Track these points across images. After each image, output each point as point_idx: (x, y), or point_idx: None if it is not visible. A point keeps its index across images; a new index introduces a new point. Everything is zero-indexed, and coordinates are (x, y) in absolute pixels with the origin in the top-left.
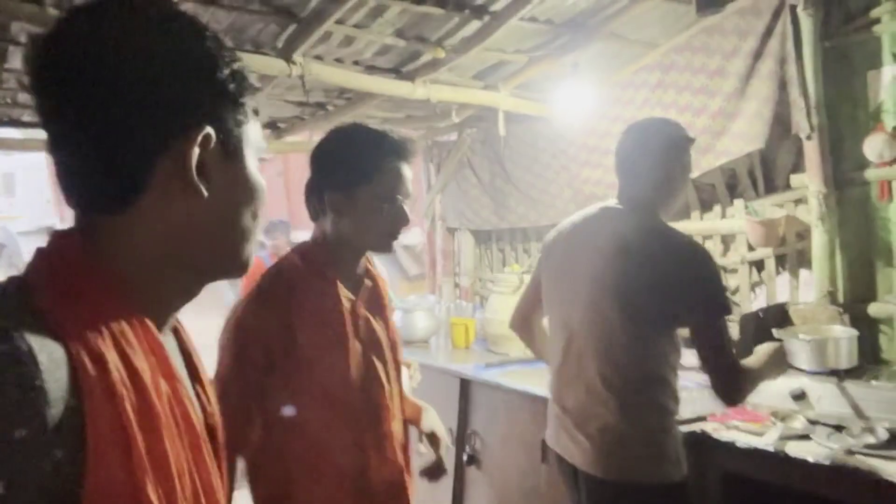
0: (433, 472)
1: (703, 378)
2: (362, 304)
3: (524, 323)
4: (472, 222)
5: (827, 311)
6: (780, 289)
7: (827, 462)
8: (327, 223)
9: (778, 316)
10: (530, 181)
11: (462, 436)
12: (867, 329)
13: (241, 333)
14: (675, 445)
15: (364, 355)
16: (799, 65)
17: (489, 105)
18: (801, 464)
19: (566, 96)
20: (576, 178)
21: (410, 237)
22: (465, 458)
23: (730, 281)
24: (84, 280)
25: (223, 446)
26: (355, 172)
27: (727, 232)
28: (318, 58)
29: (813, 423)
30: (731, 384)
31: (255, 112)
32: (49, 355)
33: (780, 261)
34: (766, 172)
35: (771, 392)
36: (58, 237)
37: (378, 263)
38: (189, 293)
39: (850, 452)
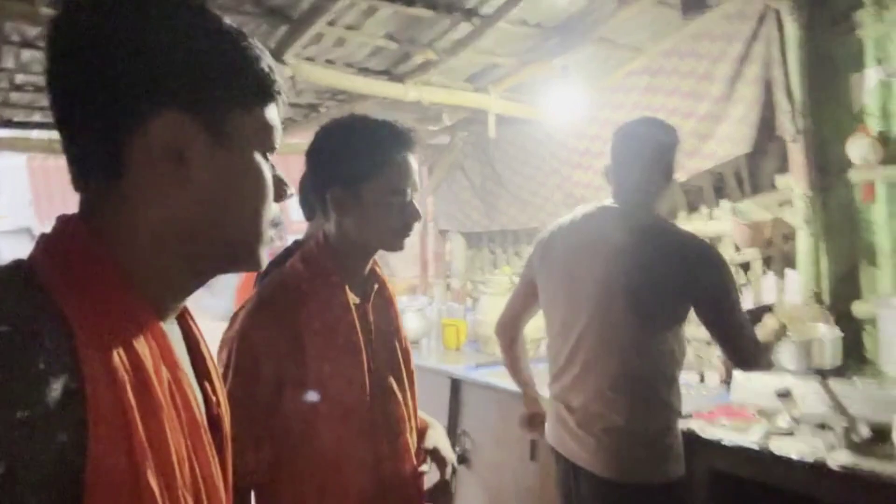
0: (437, 494)
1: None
2: (372, 309)
3: (513, 325)
4: (463, 224)
5: (812, 311)
6: (767, 290)
7: (810, 460)
8: (330, 223)
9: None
10: (521, 183)
11: (453, 435)
12: (852, 329)
13: (247, 349)
14: (678, 444)
15: (378, 365)
16: (784, 68)
17: (480, 108)
18: (785, 461)
19: (556, 99)
20: (566, 180)
21: None
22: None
23: None
24: (87, 264)
25: (228, 437)
26: (361, 166)
27: (714, 234)
28: (310, 59)
29: (797, 421)
30: (757, 359)
31: (268, 99)
32: (52, 338)
33: (767, 262)
34: (753, 174)
35: (757, 390)
36: (61, 222)
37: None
38: (191, 283)
39: (834, 450)
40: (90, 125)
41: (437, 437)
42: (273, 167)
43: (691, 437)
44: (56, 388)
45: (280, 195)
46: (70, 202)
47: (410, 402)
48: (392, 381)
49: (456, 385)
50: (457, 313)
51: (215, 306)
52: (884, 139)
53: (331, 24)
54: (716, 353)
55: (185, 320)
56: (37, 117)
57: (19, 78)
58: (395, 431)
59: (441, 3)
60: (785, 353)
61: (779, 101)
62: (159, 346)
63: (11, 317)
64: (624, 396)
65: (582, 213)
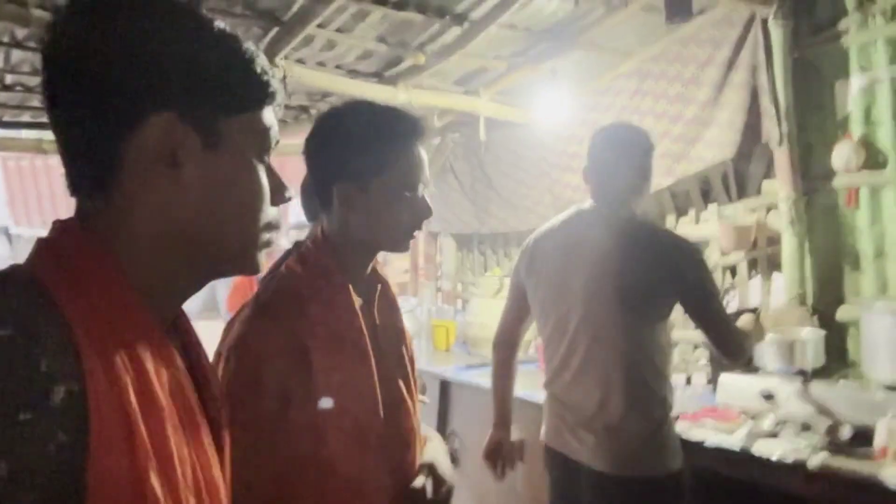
0: None
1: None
2: (377, 311)
3: (511, 339)
4: (453, 226)
5: (797, 313)
6: (753, 292)
7: (790, 460)
8: (332, 220)
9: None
10: (511, 186)
11: (441, 436)
12: (835, 331)
13: (247, 362)
14: (675, 436)
15: (386, 373)
16: (769, 74)
17: (470, 111)
18: (768, 462)
19: (546, 103)
20: (556, 183)
21: None
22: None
23: None
24: (86, 267)
25: (227, 438)
26: (371, 158)
27: (701, 237)
28: (301, 61)
29: (781, 422)
30: (742, 349)
31: (264, 102)
32: (54, 341)
33: (753, 265)
34: (739, 179)
35: (741, 392)
36: (59, 225)
37: None
38: (189, 286)
39: (816, 451)
40: (86, 129)
41: (436, 452)
42: (272, 170)
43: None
44: (58, 391)
45: (280, 198)
46: (45, 203)
47: (418, 412)
48: (402, 389)
49: (445, 386)
50: (447, 315)
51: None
52: (867, 145)
53: (321, 26)
54: (703, 356)
55: (181, 322)
56: (26, 117)
57: (9, 78)
58: (405, 444)
59: (431, 7)
60: (767, 354)
61: (764, 106)
62: (159, 348)
63: (14, 319)
64: (621, 392)
65: (561, 219)
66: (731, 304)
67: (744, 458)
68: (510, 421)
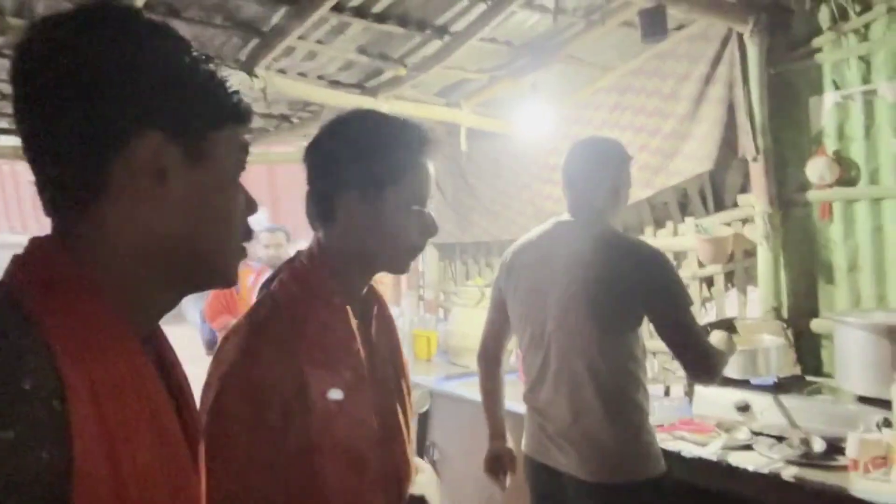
0: None
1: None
2: (373, 333)
3: (494, 352)
4: (435, 235)
5: (772, 326)
6: (730, 304)
7: (766, 472)
8: (332, 234)
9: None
10: (493, 196)
11: (421, 446)
12: (810, 343)
13: (246, 392)
14: (655, 441)
15: (384, 400)
16: (745, 90)
17: (452, 122)
18: (742, 473)
19: (527, 115)
20: (537, 195)
21: None
22: None
23: None
24: (66, 284)
25: (202, 451)
26: (380, 168)
27: (679, 249)
28: (282, 71)
29: (756, 434)
30: (709, 367)
31: (240, 120)
32: (35, 358)
33: (729, 277)
34: (716, 191)
35: (716, 403)
36: (35, 242)
37: None
38: (168, 301)
39: (790, 462)
40: (72, 150)
41: (426, 485)
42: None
43: None
44: (40, 408)
45: (251, 211)
46: (12, 208)
47: (412, 441)
48: (399, 416)
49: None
50: (428, 324)
51: None
52: (840, 160)
53: (302, 37)
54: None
55: (156, 335)
56: (3, 124)
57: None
58: (400, 477)
59: (412, 20)
60: (732, 363)
61: (741, 121)
62: (139, 363)
63: None
64: (597, 400)
65: (539, 231)
66: (707, 316)
67: (719, 469)
68: (504, 431)
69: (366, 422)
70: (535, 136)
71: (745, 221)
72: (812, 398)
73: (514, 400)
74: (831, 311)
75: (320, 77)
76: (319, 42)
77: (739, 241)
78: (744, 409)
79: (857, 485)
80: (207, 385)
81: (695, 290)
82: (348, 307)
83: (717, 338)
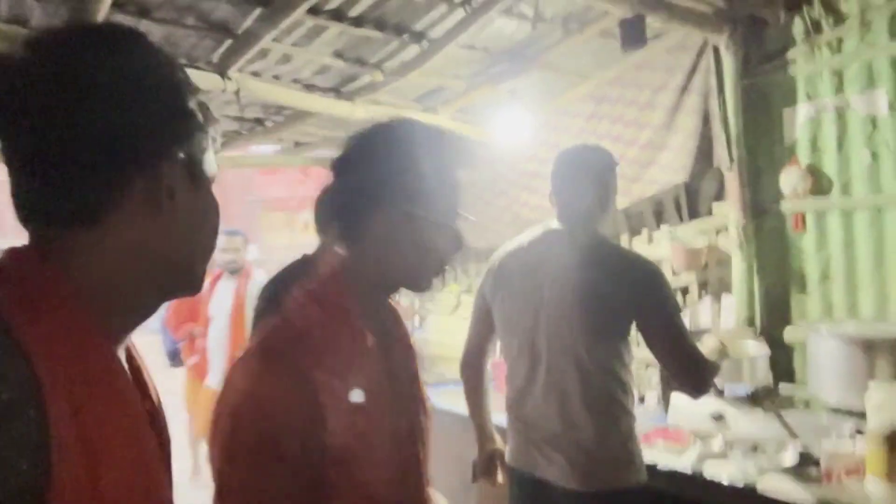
0: None
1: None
2: (392, 354)
3: (477, 361)
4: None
5: (745, 335)
6: (704, 313)
7: (740, 484)
8: (358, 252)
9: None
10: (469, 202)
11: None
12: (783, 353)
13: (262, 424)
14: (639, 450)
15: (405, 434)
16: (721, 100)
17: None
18: (717, 485)
19: (504, 122)
20: (514, 201)
21: None
22: None
23: None
24: (43, 296)
25: (171, 456)
26: (419, 186)
27: (654, 257)
28: (256, 74)
29: (730, 443)
30: (700, 378)
31: (215, 140)
32: (13, 370)
33: (704, 286)
34: (691, 200)
35: (692, 413)
36: (12, 253)
37: None
38: (146, 312)
39: (764, 473)
40: (96, 165)
41: None
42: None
43: None
44: (19, 419)
45: (218, 217)
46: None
47: (429, 475)
48: (419, 451)
49: None
50: None
51: None
52: (813, 172)
53: (276, 40)
54: (654, 374)
55: (128, 348)
56: None
57: None
58: None
59: (389, 25)
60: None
61: (716, 131)
62: (116, 374)
63: None
64: (587, 408)
65: (529, 238)
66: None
67: (694, 479)
68: (493, 434)
69: (390, 458)
70: (511, 144)
71: (718, 230)
72: (786, 408)
73: (494, 410)
74: (804, 320)
75: (295, 80)
76: (295, 45)
77: (714, 251)
78: (718, 418)
79: (831, 495)
80: (218, 415)
81: None
82: (368, 333)
83: (708, 346)
